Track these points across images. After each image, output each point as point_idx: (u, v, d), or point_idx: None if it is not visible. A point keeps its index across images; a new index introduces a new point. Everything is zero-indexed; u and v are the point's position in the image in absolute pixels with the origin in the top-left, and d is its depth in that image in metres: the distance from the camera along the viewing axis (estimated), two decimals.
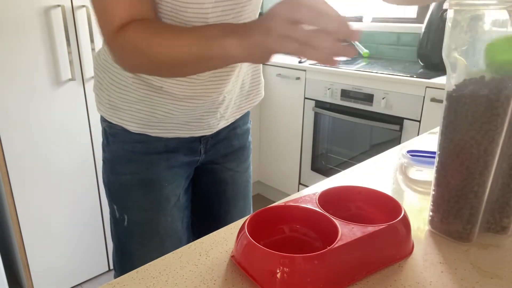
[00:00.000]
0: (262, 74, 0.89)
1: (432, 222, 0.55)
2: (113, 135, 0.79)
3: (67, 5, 1.50)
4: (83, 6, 1.54)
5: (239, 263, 0.46)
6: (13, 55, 1.41)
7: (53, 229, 1.66)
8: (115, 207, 0.83)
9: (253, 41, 0.48)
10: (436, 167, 0.53)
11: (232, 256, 0.49)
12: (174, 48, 0.55)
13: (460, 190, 0.50)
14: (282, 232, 0.52)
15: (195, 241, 0.54)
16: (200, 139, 0.82)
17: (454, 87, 0.49)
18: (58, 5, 1.48)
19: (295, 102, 2.20)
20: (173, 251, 0.52)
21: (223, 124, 0.83)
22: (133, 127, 0.76)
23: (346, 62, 2.17)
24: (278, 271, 0.41)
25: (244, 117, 0.91)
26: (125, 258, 0.85)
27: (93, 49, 1.59)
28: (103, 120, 0.80)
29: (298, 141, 2.26)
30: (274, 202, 0.63)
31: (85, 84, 1.61)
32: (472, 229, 0.51)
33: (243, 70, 0.80)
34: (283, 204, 0.53)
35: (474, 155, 0.48)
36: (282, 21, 0.45)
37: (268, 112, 2.38)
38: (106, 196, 0.84)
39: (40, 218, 1.61)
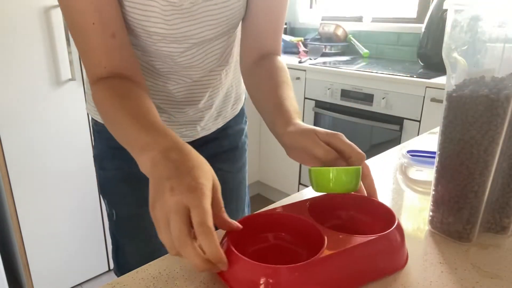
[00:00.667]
0: (242, 83, 0.88)
1: (432, 222, 0.55)
2: (98, 132, 0.81)
3: None
4: None
5: (220, 273, 0.44)
6: (13, 55, 1.41)
7: (53, 229, 1.66)
8: (106, 202, 0.85)
9: (151, 185, 0.45)
10: (436, 167, 0.53)
11: None
12: (116, 132, 0.57)
13: (460, 190, 0.50)
14: (267, 240, 0.50)
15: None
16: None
17: (454, 87, 0.48)
18: (58, 5, 1.47)
19: None
20: None
21: (203, 133, 0.84)
22: None
23: (346, 62, 2.17)
24: (261, 282, 0.39)
25: (237, 118, 0.90)
26: (118, 252, 0.88)
27: None
28: (91, 118, 0.83)
29: None
30: (274, 202, 0.63)
31: (85, 84, 1.61)
32: (472, 229, 0.51)
33: (222, 86, 0.80)
34: (267, 211, 0.51)
35: (474, 155, 0.48)
36: (162, 216, 0.41)
37: None
38: (99, 192, 0.87)
39: (40, 218, 1.61)
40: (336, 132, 0.55)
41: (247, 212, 1.00)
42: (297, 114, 0.62)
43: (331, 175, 0.50)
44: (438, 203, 0.53)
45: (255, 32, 0.71)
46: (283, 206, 0.52)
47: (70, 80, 1.56)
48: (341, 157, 0.53)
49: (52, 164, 1.59)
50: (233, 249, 0.42)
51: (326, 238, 0.44)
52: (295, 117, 0.60)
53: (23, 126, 1.49)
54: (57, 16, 1.49)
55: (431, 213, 0.55)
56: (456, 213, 0.51)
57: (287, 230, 0.50)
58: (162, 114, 0.76)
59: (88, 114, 1.65)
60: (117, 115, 0.56)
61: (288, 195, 0.68)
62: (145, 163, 0.47)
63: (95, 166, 0.84)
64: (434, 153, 0.78)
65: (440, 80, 1.65)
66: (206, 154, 0.86)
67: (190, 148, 0.49)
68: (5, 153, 1.46)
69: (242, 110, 0.92)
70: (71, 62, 1.54)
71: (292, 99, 0.65)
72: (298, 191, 0.90)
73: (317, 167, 0.52)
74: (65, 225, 1.69)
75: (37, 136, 1.53)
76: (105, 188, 0.84)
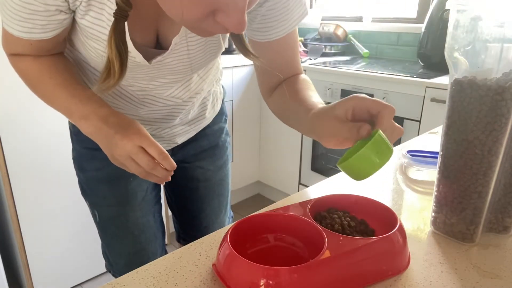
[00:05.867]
0: (218, 94, 0.88)
1: (434, 223, 0.55)
2: (76, 133, 0.80)
3: None
4: None
5: (219, 273, 0.44)
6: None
7: (53, 229, 1.66)
8: (88, 203, 0.85)
9: (102, 146, 0.59)
10: (439, 168, 0.52)
11: (214, 265, 0.47)
12: (49, 100, 0.64)
13: (463, 190, 0.50)
14: (267, 241, 0.50)
15: (195, 241, 0.54)
16: None
17: (457, 87, 0.48)
18: None
19: None
20: (173, 251, 0.51)
21: (182, 139, 0.84)
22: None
23: (346, 62, 2.17)
24: (261, 283, 0.39)
25: (216, 118, 0.90)
26: (108, 251, 0.88)
27: None
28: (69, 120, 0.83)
29: (298, 141, 2.26)
30: (274, 202, 0.63)
31: None
32: (475, 229, 0.51)
33: (194, 104, 0.80)
34: (267, 211, 0.51)
35: (478, 156, 0.48)
36: (125, 157, 0.56)
37: (268, 112, 2.38)
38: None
39: (40, 218, 1.61)
40: (351, 95, 0.51)
41: (229, 209, 1.00)
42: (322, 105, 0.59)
43: (359, 161, 0.45)
44: (441, 204, 0.53)
45: (273, 72, 0.68)
46: (284, 207, 0.52)
47: None
48: (370, 115, 0.49)
49: (52, 164, 1.59)
50: (233, 250, 0.42)
51: (326, 239, 0.44)
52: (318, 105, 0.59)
53: (23, 126, 1.48)
54: None
55: (433, 214, 0.55)
56: (459, 214, 0.51)
57: (287, 231, 0.50)
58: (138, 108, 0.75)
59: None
60: (48, 85, 0.62)
61: (288, 195, 0.67)
62: (87, 129, 0.59)
63: (75, 168, 0.84)
64: (434, 153, 0.78)
65: (440, 80, 1.65)
66: (185, 154, 0.88)
67: (123, 114, 0.60)
68: (5, 153, 1.46)
69: (221, 109, 0.91)
70: None
71: (317, 97, 0.64)
72: (298, 191, 0.90)
73: (342, 162, 0.48)
74: (65, 225, 1.69)
75: (37, 136, 1.53)
76: (85, 190, 0.83)
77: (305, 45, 2.52)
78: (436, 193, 0.54)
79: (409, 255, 0.49)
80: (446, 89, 0.50)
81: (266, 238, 0.50)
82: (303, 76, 0.70)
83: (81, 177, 0.83)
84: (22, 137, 1.49)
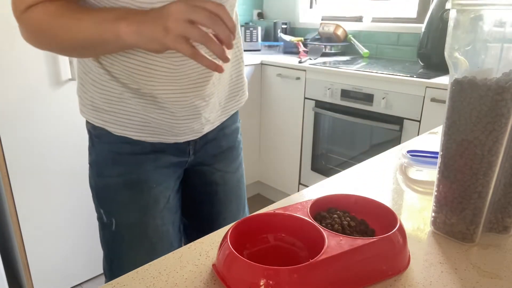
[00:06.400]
0: (244, 74, 0.88)
1: (434, 223, 0.55)
2: (98, 136, 0.77)
3: None
4: None
5: (219, 273, 0.44)
6: (13, 55, 1.41)
7: (53, 229, 1.66)
8: (102, 211, 0.80)
9: (150, 34, 0.52)
10: (439, 168, 0.52)
11: (214, 265, 0.47)
12: (73, 31, 0.57)
13: (463, 190, 0.50)
14: (267, 241, 0.50)
15: (195, 241, 0.54)
16: (188, 140, 0.80)
17: (457, 87, 0.48)
18: None
19: (295, 102, 2.19)
20: (173, 251, 0.51)
21: (208, 128, 0.81)
22: (114, 129, 0.74)
23: (346, 62, 2.17)
24: (261, 284, 0.39)
25: (233, 117, 0.89)
26: (114, 264, 0.82)
27: None
28: (87, 122, 0.78)
29: (298, 141, 2.26)
30: (274, 202, 0.63)
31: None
32: (475, 229, 0.51)
33: (225, 74, 0.78)
34: (267, 211, 0.51)
35: (478, 156, 0.48)
36: (180, 21, 0.50)
37: (268, 112, 2.38)
38: (93, 200, 0.82)
39: (40, 218, 1.61)
40: None
41: (247, 211, 0.99)
42: None
43: None
44: (441, 204, 0.53)
45: None
46: (284, 207, 0.52)
47: (70, 80, 1.56)
48: None
49: (52, 164, 1.59)
50: (233, 250, 0.42)
51: (327, 239, 0.44)
52: None
53: (23, 126, 1.48)
54: None
55: (433, 214, 0.55)
56: (459, 214, 0.51)
57: (287, 231, 0.50)
58: (163, 111, 0.72)
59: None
60: (69, 18, 0.57)
61: (288, 195, 0.68)
62: (129, 26, 0.53)
63: (91, 173, 0.80)
64: (434, 153, 0.78)
65: (440, 80, 1.65)
66: (206, 155, 0.87)
67: None
68: (5, 153, 1.46)
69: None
70: (71, 62, 1.54)
71: None
72: (298, 191, 0.90)
73: None
74: (65, 225, 1.69)
75: (37, 136, 1.53)
76: (103, 196, 0.79)
77: (305, 45, 2.52)
78: (436, 193, 0.54)
79: (409, 255, 0.49)
80: (446, 89, 0.51)
81: (266, 238, 0.50)
82: None
83: (98, 183, 0.79)
84: (22, 137, 1.49)
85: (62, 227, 1.69)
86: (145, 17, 0.53)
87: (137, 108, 0.72)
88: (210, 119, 0.79)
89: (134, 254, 0.81)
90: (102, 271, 1.96)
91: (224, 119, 0.85)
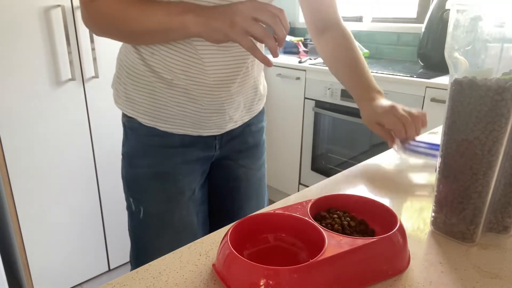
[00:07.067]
0: (264, 82, 0.92)
1: (434, 223, 0.55)
2: (131, 129, 0.82)
3: (67, 5, 1.50)
4: None
5: (219, 273, 0.44)
6: (13, 55, 1.41)
7: (53, 229, 1.66)
8: (131, 200, 0.85)
9: (216, 26, 0.59)
10: (439, 168, 0.53)
11: (214, 265, 0.47)
12: (143, 19, 0.65)
13: (463, 190, 0.50)
14: (267, 241, 0.50)
15: (195, 241, 0.54)
16: (215, 134, 0.84)
17: (457, 87, 0.48)
18: (58, 5, 1.47)
19: (295, 102, 2.19)
20: (173, 251, 0.52)
21: (231, 126, 0.85)
22: (145, 120, 0.79)
23: None
24: (261, 284, 0.39)
25: (259, 115, 0.92)
26: (141, 252, 0.87)
27: (93, 49, 1.59)
28: (123, 115, 0.83)
29: (298, 141, 2.26)
30: (274, 202, 0.63)
31: (85, 84, 1.61)
32: (475, 229, 0.51)
33: (252, 74, 0.82)
34: (267, 211, 0.51)
35: (478, 156, 0.48)
36: (247, 18, 0.57)
37: (268, 112, 2.38)
38: (124, 190, 0.87)
39: (40, 218, 1.61)
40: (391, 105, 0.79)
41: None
42: (376, 91, 0.85)
43: None
44: (441, 204, 0.53)
45: (313, 6, 0.89)
46: (284, 207, 0.52)
47: (70, 80, 1.56)
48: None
49: (52, 164, 1.59)
50: (233, 250, 0.42)
51: (327, 239, 0.44)
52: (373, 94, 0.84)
53: (23, 126, 1.49)
54: (57, 16, 1.49)
55: (433, 214, 0.55)
56: (459, 214, 0.51)
57: (287, 231, 0.50)
58: (192, 103, 0.76)
59: (88, 117, 1.64)
60: (136, 8, 0.65)
61: (288, 195, 0.68)
62: (194, 17, 0.61)
63: (124, 163, 0.85)
64: (432, 144, 0.79)
65: (440, 80, 1.65)
66: (232, 150, 0.90)
67: None
68: (5, 153, 1.46)
69: (263, 108, 0.94)
70: (71, 62, 1.54)
71: (368, 73, 0.88)
72: (298, 191, 0.90)
73: None
74: (65, 225, 1.69)
75: (37, 136, 1.53)
76: (133, 186, 0.84)
77: (305, 45, 2.52)
78: (436, 193, 0.54)
79: (409, 255, 0.49)
80: (446, 89, 0.51)
81: (266, 238, 0.50)
82: (346, 28, 0.92)
83: (129, 173, 0.84)
84: (22, 137, 1.49)
85: (62, 227, 1.69)
86: (213, 11, 0.60)
87: (167, 100, 0.76)
88: (233, 118, 0.84)
89: (159, 243, 0.85)
90: (102, 271, 1.97)
91: (247, 120, 0.89)
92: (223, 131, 0.84)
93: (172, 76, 0.74)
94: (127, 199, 0.86)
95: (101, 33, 0.72)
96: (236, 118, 0.85)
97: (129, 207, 0.86)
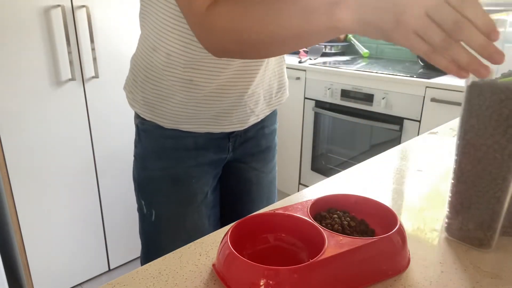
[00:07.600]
0: (285, 72, 0.90)
1: (449, 229, 0.53)
2: (144, 131, 0.81)
3: (67, 5, 1.50)
4: (83, 6, 1.53)
5: (219, 273, 0.44)
6: (13, 55, 1.41)
7: (53, 229, 1.66)
8: (143, 202, 0.84)
9: (376, 24, 0.43)
10: (454, 173, 0.51)
11: (214, 265, 0.47)
12: (272, 23, 0.50)
13: (481, 196, 0.48)
14: (267, 241, 0.50)
15: (195, 241, 0.54)
16: (229, 136, 0.83)
17: (474, 90, 0.46)
18: (58, 5, 1.47)
19: (295, 102, 2.20)
20: (173, 251, 0.52)
21: (253, 120, 0.84)
22: (166, 123, 0.78)
23: (346, 62, 2.17)
24: (261, 284, 0.39)
25: (272, 117, 0.92)
26: (152, 254, 0.86)
27: (93, 49, 1.59)
28: (136, 116, 0.82)
29: (298, 141, 2.26)
30: (274, 202, 0.63)
31: (85, 84, 1.61)
32: (492, 235, 0.50)
33: (270, 67, 0.81)
34: (267, 211, 0.51)
35: (498, 160, 0.46)
36: (419, 17, 0.39)
37: None
38: (135, 192, 0.86)
39: (40, 218, 1.61)
40: None
41: None
42: None
43: None
44: (457, 210, 0.51)
45: None
46: (284, 207, 0.52)
47: (70, 80, 1.56)
48: None
49: (52, 164, 1.59)
50: (233, 250, 0.42)
51: (327, 239, 0.44)
52: None
53: (23, 126, 1.48)
54: (57, 16, 1.49)
55: (447, 220, 0.53)
56: (476, 220, 0.50)
57: (287, 231, 0.50)
58: (212, 101, 0.75)
59: (88, 117, 1.64)
60: (268, 8, 0.50)
61: (288, 195, 0.68)
62: (348, 14, 0.44)
63: (136, 165, 0.84)
64: None
65: (440, 80, 1.65)
66: (244, 153, 0.89)
67: None
68: (5, 153, 1.46)
69: (275, 110, 0.93)
70: (71, 62, 1.54)
71: None
72: (298, 191, 0.90)
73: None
74: (65, 225, 1.69)
75: (37, 136, 1.53)
76: (145, 188, 0.83)
77: None
78: (450, 199, 0.52)
79: (409, 255, 0.49)
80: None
81: (266, 238, 0.50)
82: None
83: (141, 176, 0.83)
84: (22, 137, 1.49)
85: (62, 227, 1.69)
86: (370, 3, 0.43)
87: (186, 100, 0.75)
88: (255, 111, 0.82)
89: (171, 245, 0.84)
90: (102, 271, 1.97)
91: (268, 113, 0.88)
92: (245, 125, 0.83)
93: (191, 76, 0.72)
94: (138, 201, 0.85)
95: (225, 50, 0.57)
96: (257, 112, 0.83)
97: (140, 209, 0.85)
